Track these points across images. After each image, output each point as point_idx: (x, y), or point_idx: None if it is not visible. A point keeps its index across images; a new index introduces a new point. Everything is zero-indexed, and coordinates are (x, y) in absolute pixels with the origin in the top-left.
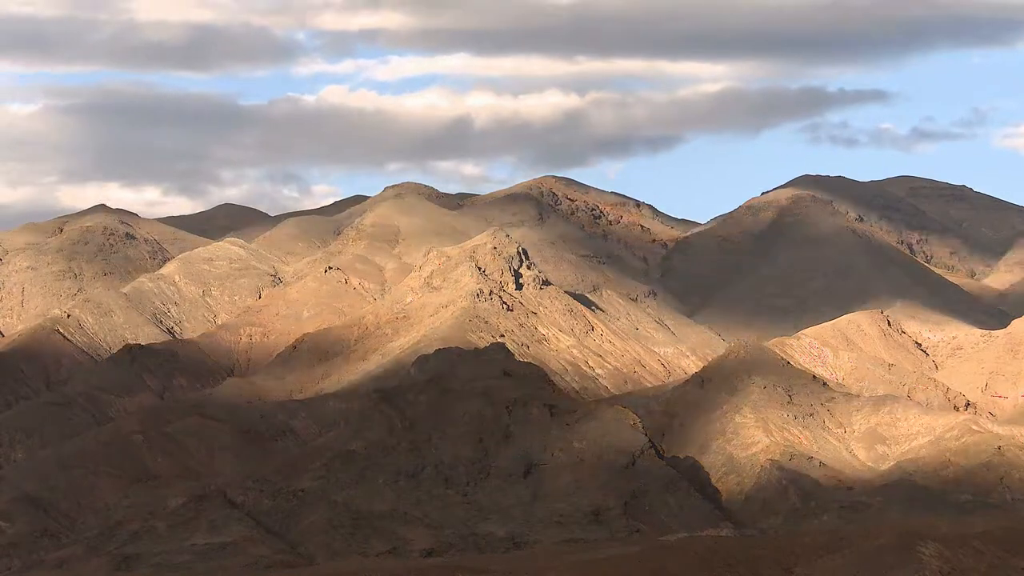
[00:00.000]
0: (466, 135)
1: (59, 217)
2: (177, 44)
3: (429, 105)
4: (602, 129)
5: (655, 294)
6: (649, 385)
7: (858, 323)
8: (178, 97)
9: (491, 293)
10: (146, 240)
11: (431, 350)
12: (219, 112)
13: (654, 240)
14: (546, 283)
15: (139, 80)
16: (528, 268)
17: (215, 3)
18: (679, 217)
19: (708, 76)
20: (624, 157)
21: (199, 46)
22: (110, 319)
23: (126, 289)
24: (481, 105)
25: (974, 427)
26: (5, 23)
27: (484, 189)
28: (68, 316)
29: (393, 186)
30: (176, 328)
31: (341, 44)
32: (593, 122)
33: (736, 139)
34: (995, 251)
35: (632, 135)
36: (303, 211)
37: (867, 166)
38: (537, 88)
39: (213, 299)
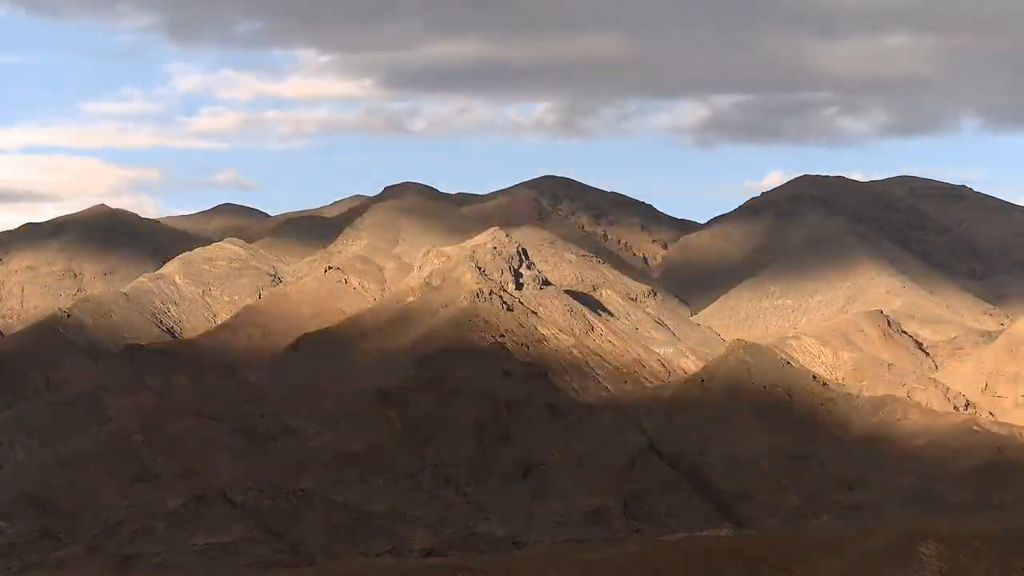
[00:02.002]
0: None
1: (59, 217)
2: None
3: None
4: None
5: (655, 294)
6: (649, 385)
7: (858, 323)
8: None
9: (491, 293)
10: (146, 240)
11: (431, 350)
12: None
13: (654, 240)
14: (546, 283)
15: None
16: (528, 268)
17: None
18: (679, 217)
19: None
20: None
21: None
22: (110, 319)
23: (126, 289)
24: None
25: (974, 427)
26: None
27: None
28: (68, 316)
29: (393, 186)
30: (176, 328)
31: None
32: None
33: None
34: (995, 251)
35: None
36: (303, 211)
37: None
38: None
39: (213, 299)
